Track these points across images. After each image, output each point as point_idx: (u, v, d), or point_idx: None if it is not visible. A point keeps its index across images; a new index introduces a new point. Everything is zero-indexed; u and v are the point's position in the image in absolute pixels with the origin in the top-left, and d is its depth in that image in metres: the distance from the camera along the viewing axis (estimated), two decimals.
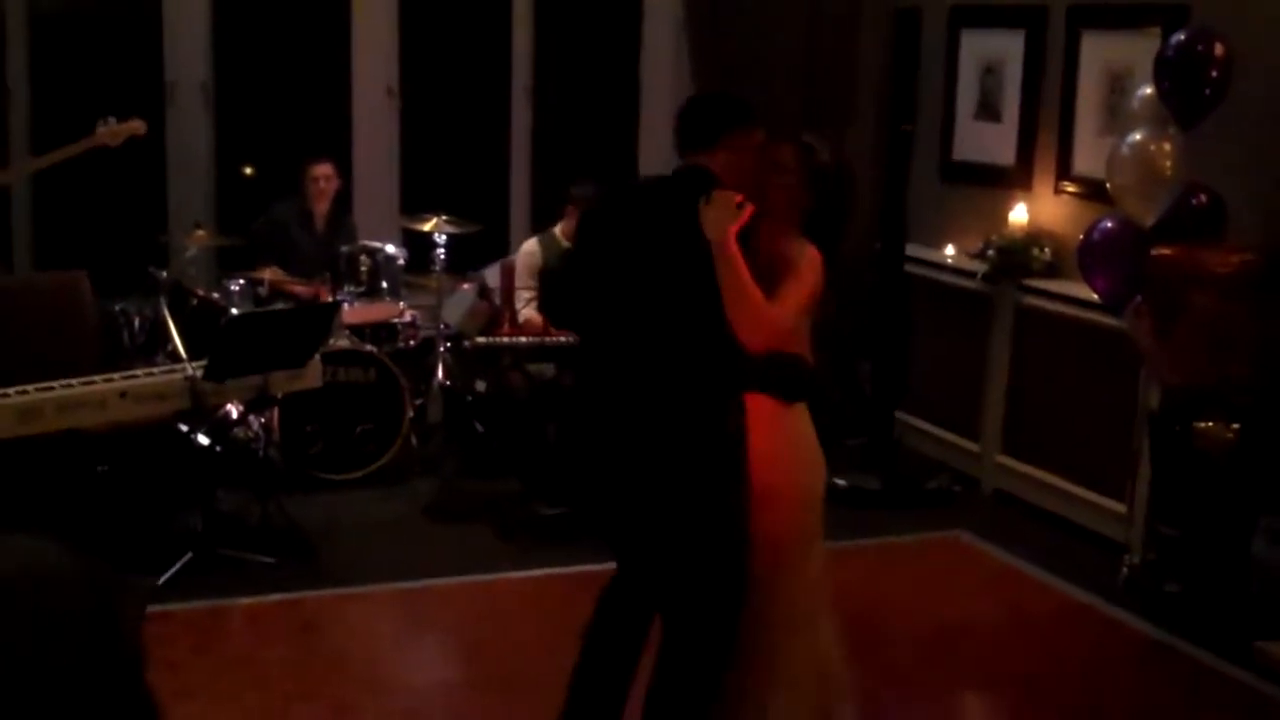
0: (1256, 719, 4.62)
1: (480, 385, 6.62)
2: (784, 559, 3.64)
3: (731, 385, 3.50)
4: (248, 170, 7.58)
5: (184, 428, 5.54)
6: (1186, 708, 4.69)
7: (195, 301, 6.14)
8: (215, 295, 6.33)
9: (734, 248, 3.36)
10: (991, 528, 6.21)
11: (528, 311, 6.45)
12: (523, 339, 6.18)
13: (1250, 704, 4.70)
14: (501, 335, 6.37)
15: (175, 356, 5.56)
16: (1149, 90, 5.43)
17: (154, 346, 6.07)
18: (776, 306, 3.41)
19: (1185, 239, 5.29)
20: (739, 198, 3.42)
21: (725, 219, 3.38)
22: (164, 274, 6.28)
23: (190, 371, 5.22)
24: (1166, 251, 5.28)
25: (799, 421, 3.71)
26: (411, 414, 6.49)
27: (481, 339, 6.21)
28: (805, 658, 3.74)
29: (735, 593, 3.54)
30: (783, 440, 3.64)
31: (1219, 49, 5.23)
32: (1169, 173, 5.31)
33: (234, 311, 6.01)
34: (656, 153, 7.89)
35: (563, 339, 6.18)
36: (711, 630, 3.56)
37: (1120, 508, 5.81)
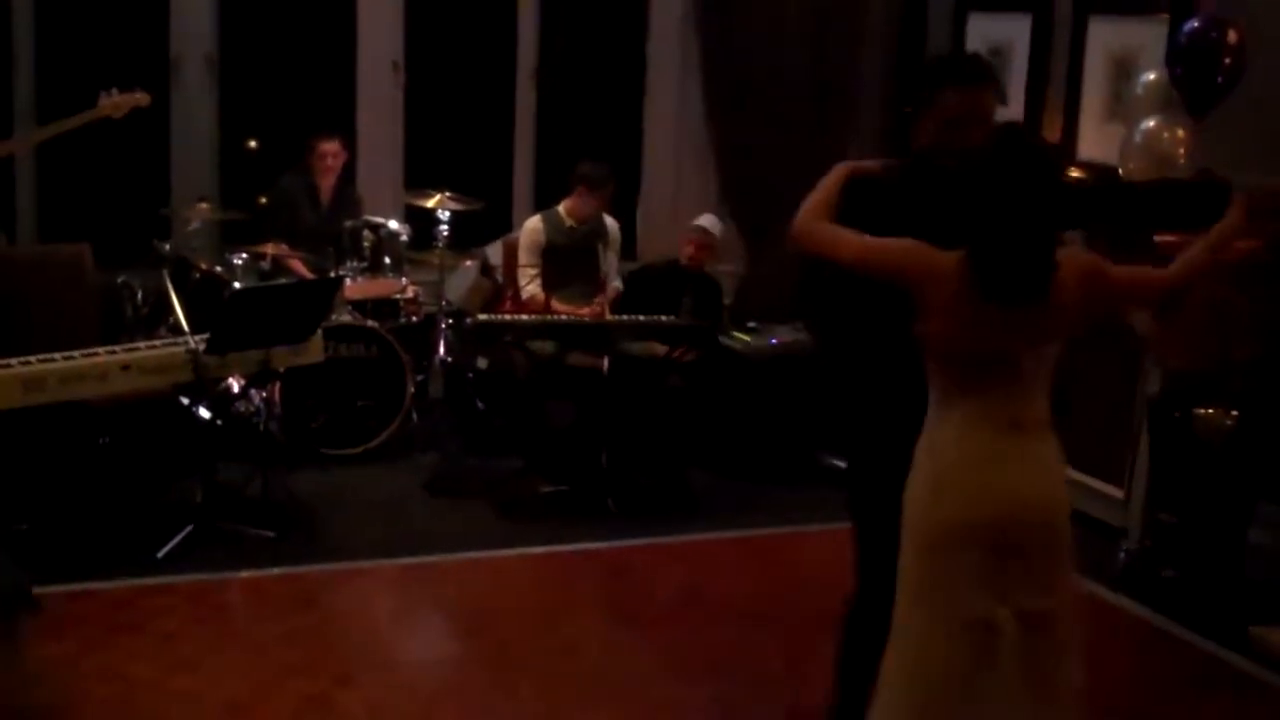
0: (1252, 704, 4.63)
1: (482, 362, 6.64)
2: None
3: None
4: (252, 144, 7.57)
5: (185, 401, 5.56)
6: (1182, 693, 4.70)
7: (198, 275, 6.15)
8: (218, 269, 6.33)
9: (833, 174, 3.42)
10: None
11: (531, 289, 6.46)
12: (524, 316, 6.19)
13: (1246, 689, 4.71)
14: (503, 312, 6.39)
15: (177, 329, 5.56)
16: (1153, 76, 5.42)
17: (156, 319, 6.08)
18: (814, 223, 3.33)
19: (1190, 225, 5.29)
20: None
21: None
22: (167, 247, 6.28)
23: (192, 345, 5.23)
24: (1171, 238, 5.27)
25: (929, 444, 3.21)
26: (413, 390, 6.50)
27: (483, 316, 6.22)
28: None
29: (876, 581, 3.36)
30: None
31: (1233, 35, 5.22)
32: (1182, 160, 5.30)
33: (237, 285, 6.03)
34: (662, 132, 7.89)
35: (564, 317, 6.19)
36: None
37: (1119, 493, 5.82)
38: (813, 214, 3.33)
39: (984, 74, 3.43)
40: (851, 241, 3.21)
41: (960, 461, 3.12)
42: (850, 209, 3.33)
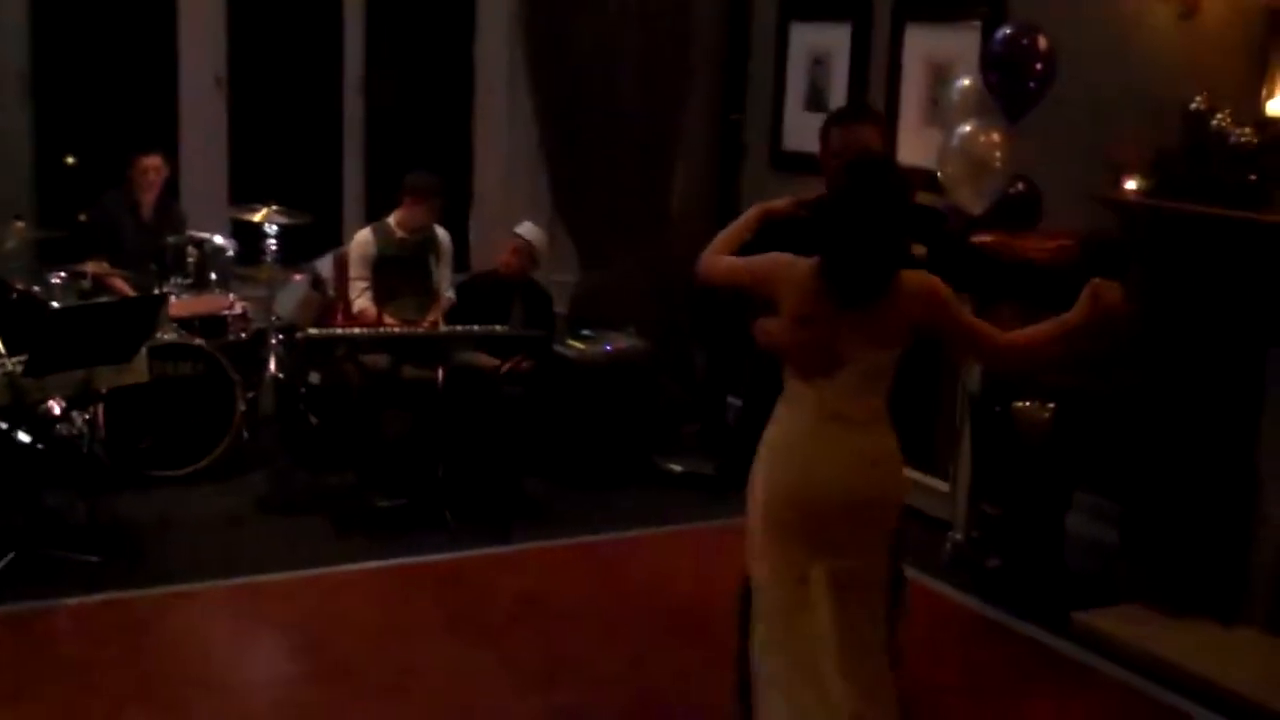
0: (1076, 686, 4.79)
1: (314, 377, 6.56)
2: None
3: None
4: (70, 160, 7.37)
5: (4, 425, 5.39)
6: (1009, 678, 4.85)
7: (15, 295, 5.99)
8: (36, 289, 6.17)
9: (747, 214, 3.91)
10: None
11: (361, 302, 6.40)
12: (356, 329, 6.13)
13: (1070, 672, 4.89)
14: (335, 326, 6.32)
15: None
16: (967, 82, 5.58)
17: None
18: (712, 258, 3.79)
19: (1004, 226, 5.46)
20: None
21: None
22: None
23: (9, 367, 5.08)
24: (987, 238, 5.44)
25: (770, 427, 3.60)
26: (243, 407, 6.39)
27: (314, 330, 6.15)
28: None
29: None
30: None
31: (1043, 42, 5.40)
32: (997, 164, 5.46)
33: (55, 305, 5.87)
34: (493, 141, 7.89)
35: (396, 330, 6.15)
36: None
37: (944, 487, 5.98)
38: (715, 250, 3.79)
39: (860, 113, 4.13)
40: (736, 264, 3.69)
41: (788, 443, 3.53)
42: (762, 247, 3.67)
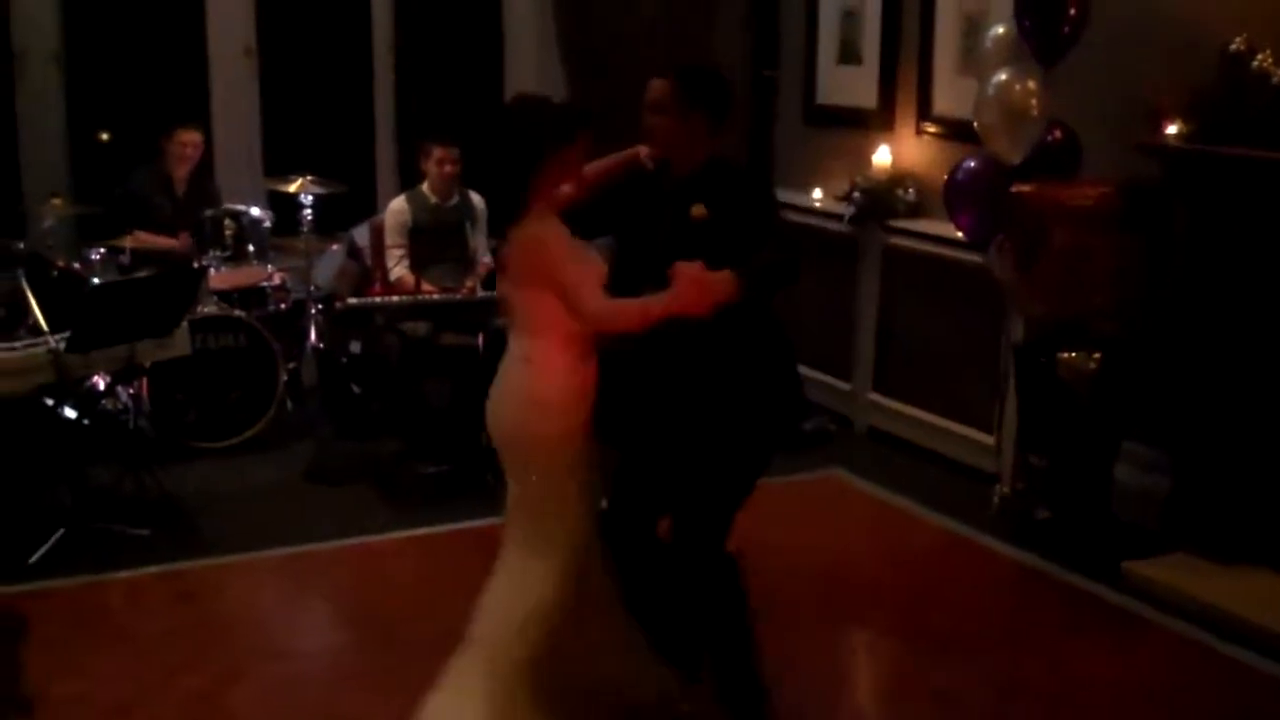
0: (1127, 636, 4.77)
1: (354, 346, 6.57)
2: None
3: None
4: (104, 136, 7.39)
5: (49, 402, 5.43)
6: (1061, 629, 4.83)
7: (55, 273, 6.02)
8: (76, 265, 6.20)
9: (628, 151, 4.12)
10: (866, 465, 6.33)
11: (399, 270, 6.40)
12: (395, 298, 6.13)
13: (1121, 622, 4.86)
14: (373, 295, 6.32)
15: (36, 330, 5.42)
16: (1001, 30, 5.52)
17: (14, 321, 5.90)
18: None
19: (1043, 175, 5.41)
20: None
21: None
22: (21, 245, 6.11)
23: (53, 344, 5.11)
24: (1026, 188, 5.39)
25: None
26: (285, 378, 6.42)
27: (353, 299, 6.15)
28: None
29: None
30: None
31: None
32: (1034, 111, 5.39)
33: (96, 281, 5.89)
34: None
35: (435, 297, 6.15)
36: None
37: (990, 439, 5.95)
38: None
39: (672, 70, 3.95)
40: None
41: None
42: (619, 190, 3.96)
